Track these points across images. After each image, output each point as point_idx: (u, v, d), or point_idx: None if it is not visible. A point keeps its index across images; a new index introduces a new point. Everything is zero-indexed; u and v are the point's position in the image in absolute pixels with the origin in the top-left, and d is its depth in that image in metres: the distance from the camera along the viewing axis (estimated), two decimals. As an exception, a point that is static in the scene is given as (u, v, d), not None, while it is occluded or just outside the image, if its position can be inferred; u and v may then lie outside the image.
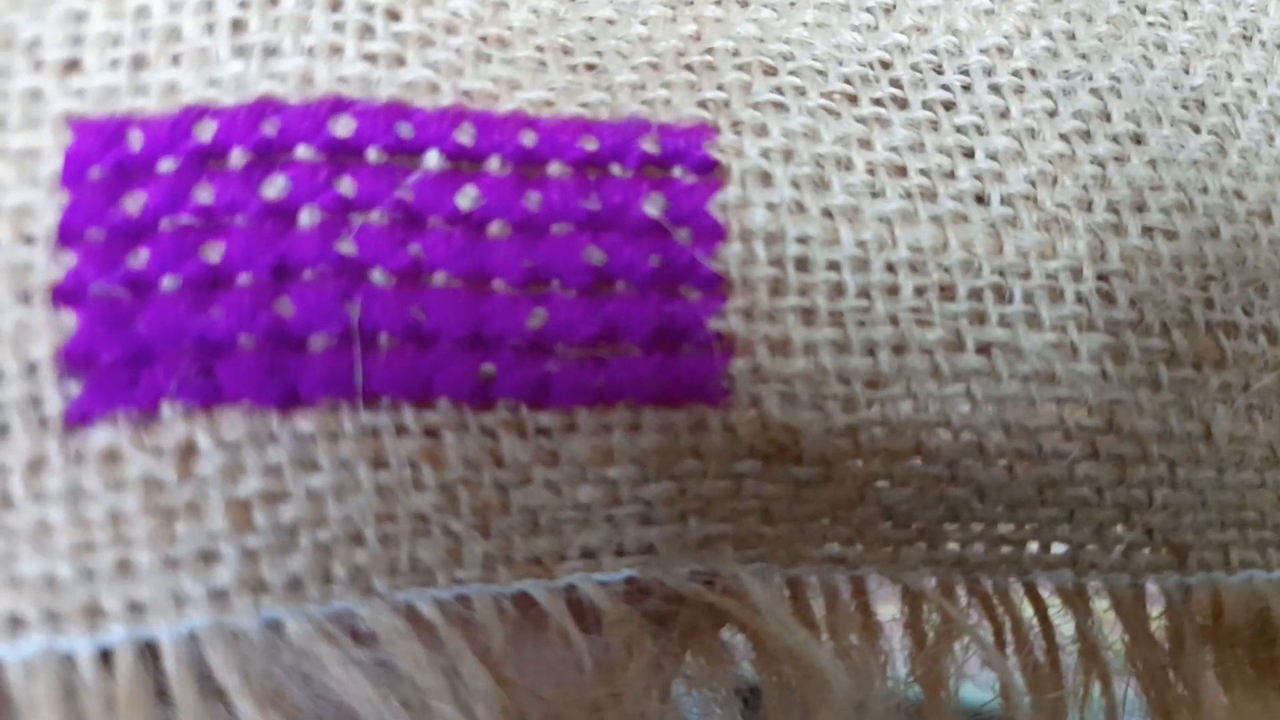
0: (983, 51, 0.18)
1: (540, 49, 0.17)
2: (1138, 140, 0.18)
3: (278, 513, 0.13)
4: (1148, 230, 0.17)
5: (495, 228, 0.15)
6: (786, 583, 0.16)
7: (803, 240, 0.16)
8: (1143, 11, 0.19)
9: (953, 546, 0.16)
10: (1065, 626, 0.17)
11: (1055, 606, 0.17)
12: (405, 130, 0.15)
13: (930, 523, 0.16)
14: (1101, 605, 0.17)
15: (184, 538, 0.13)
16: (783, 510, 0.16)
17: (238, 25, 0.15)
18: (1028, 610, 0.17)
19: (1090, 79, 0.18)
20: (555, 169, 0.15)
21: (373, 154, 0.15)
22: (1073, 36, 0.19)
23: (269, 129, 0.14)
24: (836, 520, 0.16)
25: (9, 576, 0.13)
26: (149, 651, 0.13)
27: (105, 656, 0.13)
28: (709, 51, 0.17)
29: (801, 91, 0.17)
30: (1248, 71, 0.19)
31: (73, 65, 0.14)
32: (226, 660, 0.13)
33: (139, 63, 0.14)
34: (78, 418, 0.13)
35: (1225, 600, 0.17)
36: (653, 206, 0.16)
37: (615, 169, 0.16)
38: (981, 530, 0.16)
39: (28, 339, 0.13)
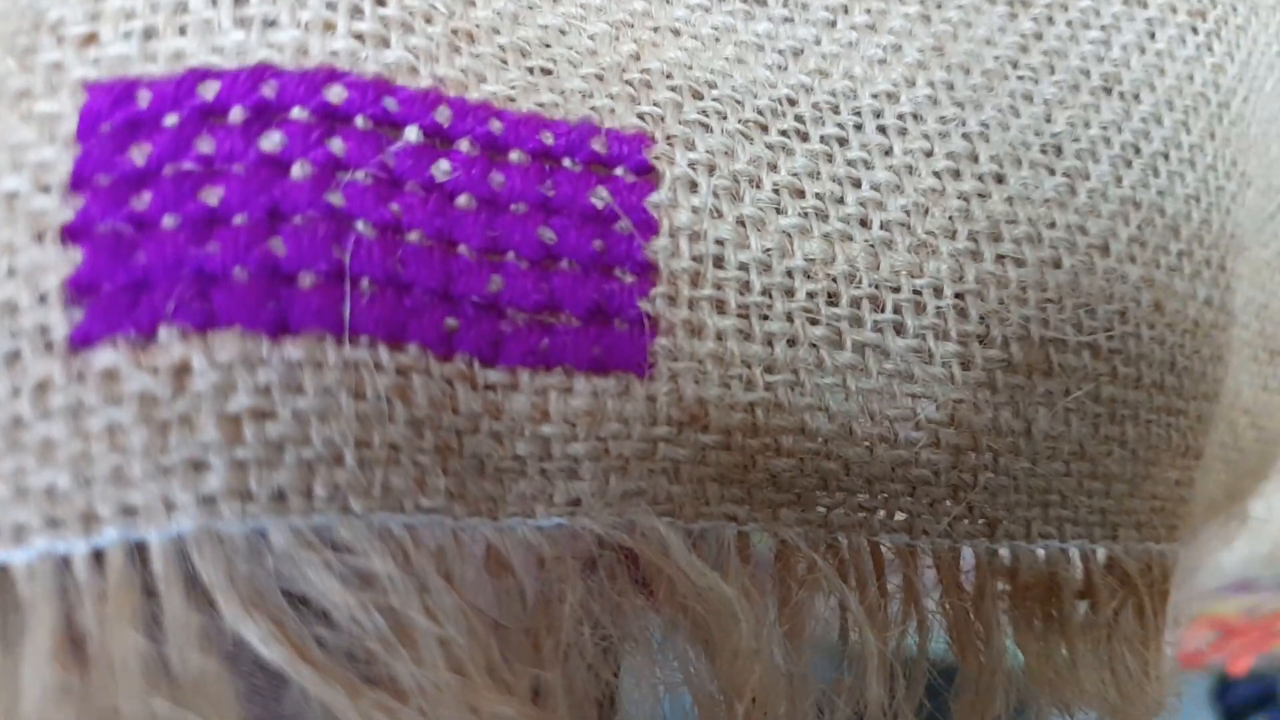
0: (874, 96, 0.21)
1: (501, 48, 0.19)
2: (999, 180, 0.21)
3: (266, 429, 0.15)
4: (1000, 258, 0.21)
5: (463, 200, 0.17)
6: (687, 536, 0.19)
7: (719, 241, 0.19)
8: (1014, 66, 0.22)
9: (821, 510, 0.19)
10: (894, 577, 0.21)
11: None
12: (391, 104, 0.17)
13: (805, 489, 0.19)
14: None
15: (176, 447, 0.14)
16: (688, 472, 0.18)
17: None
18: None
19: (963, 125, 0.21)
20: (516, 156, 0.18)
21: (360, 121, 0.16)
22: (951, 87, 0.22)
23: (267, 90, 0.16)
24: (731, 483, 0.19)
25: (17, 489, 0.14)
26: (139, 556, 0.14)
27: (99, 559, 0.14)
28: (646, 71, 0.20)
29: (723, 116, 0.20)
30: (1104, 120, 0.22)
31: (90, 39, 0.16)
32: (212, 562, 0.14)
33: (149, 33, 0.16)
34: (81, 340, 0.14)
35: (1021, 563, 0.21)
36: (598, 199, 0.18)
37: (567, 162, 0.18)
38: (844, 498, 0.20)
39: (39, 274, 0.14)
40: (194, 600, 0.14)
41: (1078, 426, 0.21)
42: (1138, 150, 0.22)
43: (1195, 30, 0.23)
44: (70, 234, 0.15)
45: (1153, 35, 0.23)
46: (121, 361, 0.14)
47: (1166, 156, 0.22)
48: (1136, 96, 0.22)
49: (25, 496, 0.14)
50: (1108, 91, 0.22)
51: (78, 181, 0.15)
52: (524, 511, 0.17)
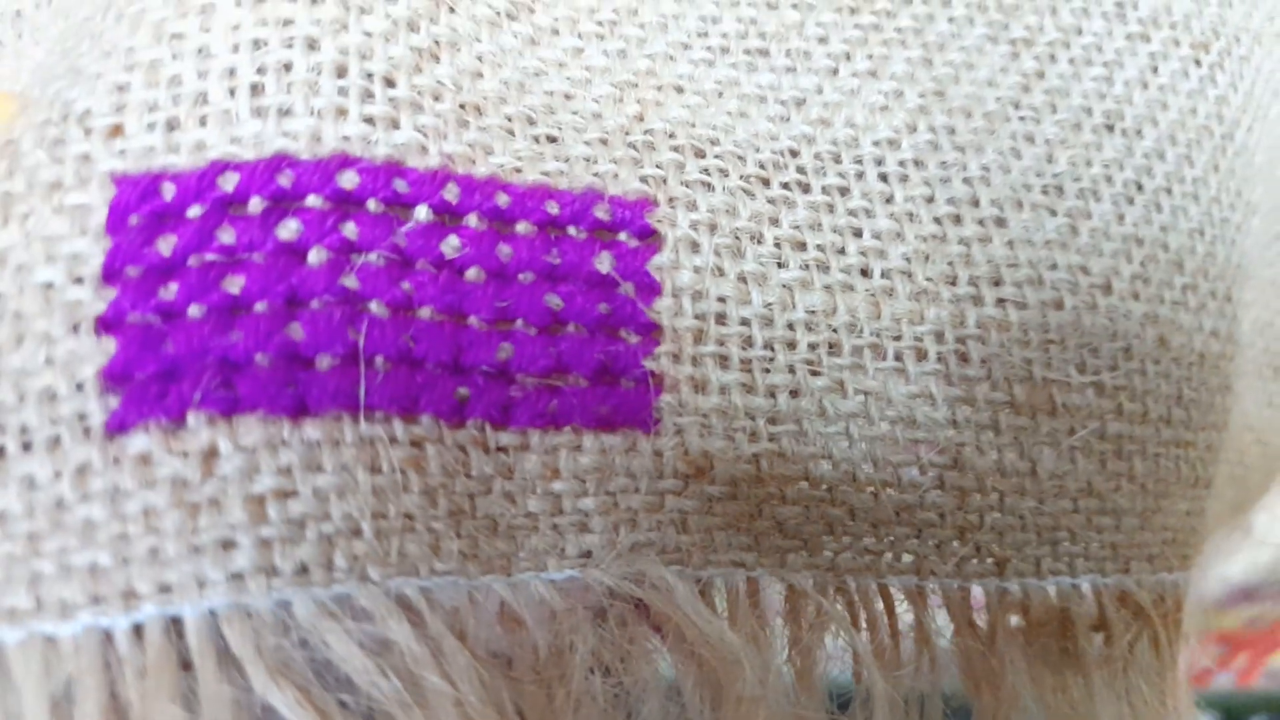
0: (875, 143, 0.22)
1: (509, 118, 0.19)
2: (1000, 223, 0.21)
3: (288, 508, 0.16)
4: (1001, 301, 0.21)
5: (472, 273, 0.18)
6: (695, 583, 0.19)
7: (721, 299, 0.19)
8: (1016, 107, 0.22)
9: (828, 554, 0.20)
10: (906, 616, 0.21)
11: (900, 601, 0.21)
12: (401, 186, 0.17)
13: (812, 535, 0.20)
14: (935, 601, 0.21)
15: (206, 528, 0.15)
16: (696, 522, 0.19)
17: (256, 89, 0.17)
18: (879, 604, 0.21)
19: (964, 169, 0.22)
20: (523, 227, 0.18)
21: (372, 204, 0.17)
22: (953, 131, 0.22)
23: (284, 180, 0.17)
24: (738, 531, 0.19)
25: (62, 567, 0.15)
26: (174, 628, 0.15)
27: (138, 631, 0.15)
28: (649, 132, 0.20)
29: (724, 173, 0.20)
30: (1106, 158, 0.22)
31: (116, 130, 0.17)
32: (242, 635, 0.15)
33: (172, 125, 0.17)
34: (116, 427, 0.15)
35: (1033, 600, 0.21)
36: (603, 264, 0.19)
37: (572, 230, 0.19)
38: (850, 542, 0.20)
39: (76, 364, 0.15)
40: (225, 670, 0.15)
41: (1084, 464, 0.21)
42: (1140, 187, 0.22)
43: (1198, 63, 0.23)
44: (104, 325, 0.16)
45: (1155, 70, 0.23)
46: (154, 447, 0.15)
47: (1170, 192, 0.22)
48: (1139, 132, 0.22)
49: (70, 574, 0.15)
50: (1110, 129, 0.22)
51: (109, 274, 0.16)
52: (536, 566, 0.18)
